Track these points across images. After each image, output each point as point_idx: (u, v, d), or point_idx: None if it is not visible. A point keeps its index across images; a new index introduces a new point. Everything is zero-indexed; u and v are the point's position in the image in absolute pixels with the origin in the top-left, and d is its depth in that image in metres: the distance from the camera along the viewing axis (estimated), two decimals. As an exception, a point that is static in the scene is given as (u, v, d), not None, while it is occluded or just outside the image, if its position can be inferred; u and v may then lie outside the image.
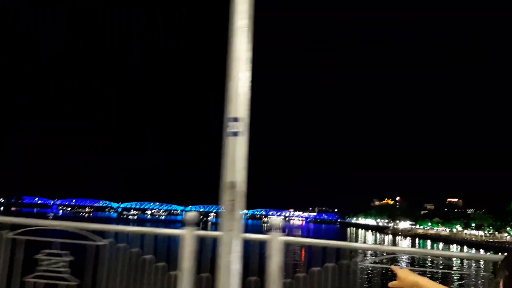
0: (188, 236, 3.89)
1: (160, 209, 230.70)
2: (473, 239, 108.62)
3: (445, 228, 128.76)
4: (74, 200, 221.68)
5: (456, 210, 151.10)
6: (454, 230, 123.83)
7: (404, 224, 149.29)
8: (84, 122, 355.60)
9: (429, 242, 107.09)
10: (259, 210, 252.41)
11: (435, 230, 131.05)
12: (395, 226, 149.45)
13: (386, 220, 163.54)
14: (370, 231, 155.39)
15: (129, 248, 4.06)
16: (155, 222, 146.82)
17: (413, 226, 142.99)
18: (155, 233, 4.16)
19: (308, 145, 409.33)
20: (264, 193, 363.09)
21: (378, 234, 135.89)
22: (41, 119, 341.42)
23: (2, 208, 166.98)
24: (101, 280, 4.01)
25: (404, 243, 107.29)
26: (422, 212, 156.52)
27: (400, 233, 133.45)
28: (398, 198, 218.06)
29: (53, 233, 4.20)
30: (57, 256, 4.06)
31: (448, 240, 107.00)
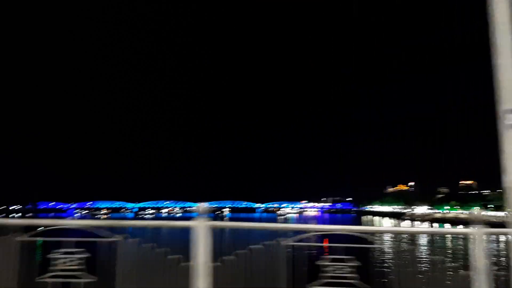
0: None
1: (175, 207, 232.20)
2: (494, 220, 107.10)
3: (463, 211, 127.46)
4: (90, 203, 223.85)
5: (471, 192, 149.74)
6: (473, 212, 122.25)
7: (421, 209, 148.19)
8: (95, 123, 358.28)
9: (448, 226, 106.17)
10: (272, 203, 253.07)
11: (453, 213, 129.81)
12: (411, 212, 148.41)
13: (403, 206, 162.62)
14: (386, 217, 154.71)
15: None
16: (171, 220, 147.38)
17: (430, 211, 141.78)
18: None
19: (317, 135, 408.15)
20: (276, 186, 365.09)
21: (395, 220, 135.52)
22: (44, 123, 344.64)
23: (18, 214, 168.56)
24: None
25: (423, 227, 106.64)
26: (438, 196, 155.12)
27: (417, 218, 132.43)
28: (411, 183, 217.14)
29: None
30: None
31: (467, 223, 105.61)
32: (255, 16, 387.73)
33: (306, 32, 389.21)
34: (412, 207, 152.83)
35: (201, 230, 3.94)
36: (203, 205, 4.16)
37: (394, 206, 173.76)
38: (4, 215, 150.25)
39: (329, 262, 3.99)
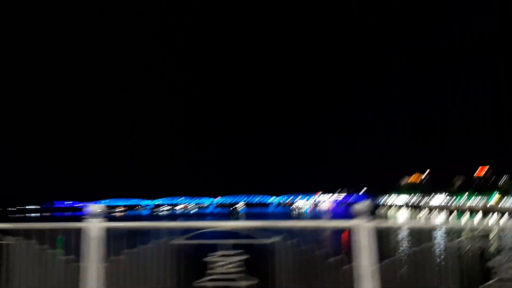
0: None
1: (190, 203, 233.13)
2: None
3: (481, 199, 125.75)
4: (105, 201, 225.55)
5: (487, 180, 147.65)
6: (492, 201, 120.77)
7: (439, 199, 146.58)
8: (105, 123, 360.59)
9: (467, 215, 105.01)
10: (286, 196, 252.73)
11: (472, 202, 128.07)
12: (429, 201, 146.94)
13: (420, 196, 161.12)
14: (403, 208, 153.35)
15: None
16: (186, 216, 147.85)
17: (448, 200, 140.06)
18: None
19: (330, 128, 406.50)
20: (289, 179, 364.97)
21: (412, 211, 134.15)
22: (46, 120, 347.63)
23: (35, 214, 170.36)
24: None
25: (441, 217, 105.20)
26: (455, 185, 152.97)
27: (435, 208, 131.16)
28: (426, 173, 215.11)
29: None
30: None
31: (487, 211, 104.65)
32: (255, 16, 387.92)
33: (306, 32, 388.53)
34: (429, 197, 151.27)
35: (363, 230, 3.70)
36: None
37: (410, 197, 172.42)
38: (22, 215, 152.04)
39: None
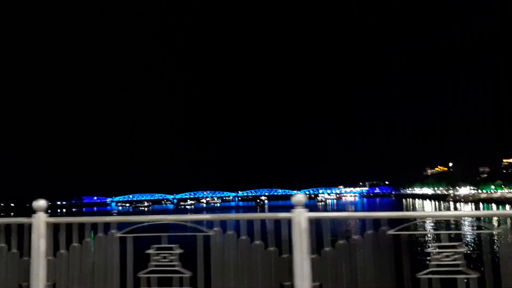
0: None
1: (214, 197, 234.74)
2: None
3: (510, 190, 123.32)
4: (130, 196, 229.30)
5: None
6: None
7: (464, 190, 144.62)
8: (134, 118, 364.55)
9: (494, 206, 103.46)
10: (309, 189, 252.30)
11: (499, 193, 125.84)
12: (455, 193, 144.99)
13: (445, 188, 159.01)
14: (428, 200, 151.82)
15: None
16: (211, 209, 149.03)
17: (475, 191, 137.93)
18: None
19: (350, 119, 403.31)
20: (311, 172, 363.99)
21: (437, 203, 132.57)
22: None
23: (63, 210, 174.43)
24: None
25: (466, 209, 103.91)
26: (481, 176, 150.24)
27: (462, 200, 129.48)
28: (450, 164, 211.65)
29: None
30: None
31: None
32: (255, 16, 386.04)
33: (306, 32, 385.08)
34: (456, 188, 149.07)
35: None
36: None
37: (435, 188, 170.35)
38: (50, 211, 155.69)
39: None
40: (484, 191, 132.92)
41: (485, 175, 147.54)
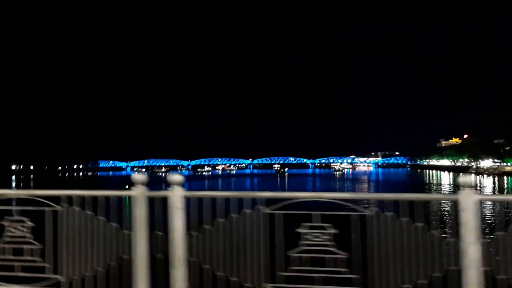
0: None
1: (230, 164, 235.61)
2: None
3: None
4: (145, 161, 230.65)
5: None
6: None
7: (487, 163, 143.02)
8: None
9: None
10: (321, 159, 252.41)
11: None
12: (477, 165, 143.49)
13: (466, 160, 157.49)
14: (446, 172, 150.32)
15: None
16: (227, 176, 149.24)
17: (498, 164, 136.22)
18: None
19: (364, 90, 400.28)
20: (324, 141, 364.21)
21: (457, 175, 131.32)
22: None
23: (80, 173, 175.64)
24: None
25: (487, 182, 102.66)
26: (506, 148, 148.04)
27: (485, 172, 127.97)
28: (465, 136, 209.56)
29: None
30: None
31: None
32: (255, 16, 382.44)
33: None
34: (478, 160, 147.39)
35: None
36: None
37: (455, 160, 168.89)
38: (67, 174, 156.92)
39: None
40: (510, 163, 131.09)
41: (509, 147, 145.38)
